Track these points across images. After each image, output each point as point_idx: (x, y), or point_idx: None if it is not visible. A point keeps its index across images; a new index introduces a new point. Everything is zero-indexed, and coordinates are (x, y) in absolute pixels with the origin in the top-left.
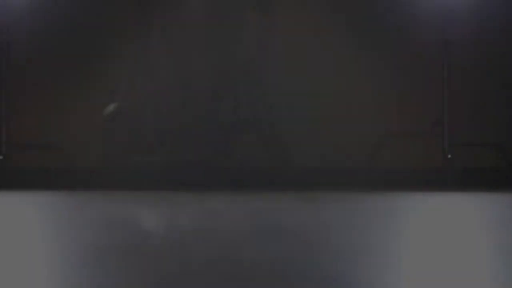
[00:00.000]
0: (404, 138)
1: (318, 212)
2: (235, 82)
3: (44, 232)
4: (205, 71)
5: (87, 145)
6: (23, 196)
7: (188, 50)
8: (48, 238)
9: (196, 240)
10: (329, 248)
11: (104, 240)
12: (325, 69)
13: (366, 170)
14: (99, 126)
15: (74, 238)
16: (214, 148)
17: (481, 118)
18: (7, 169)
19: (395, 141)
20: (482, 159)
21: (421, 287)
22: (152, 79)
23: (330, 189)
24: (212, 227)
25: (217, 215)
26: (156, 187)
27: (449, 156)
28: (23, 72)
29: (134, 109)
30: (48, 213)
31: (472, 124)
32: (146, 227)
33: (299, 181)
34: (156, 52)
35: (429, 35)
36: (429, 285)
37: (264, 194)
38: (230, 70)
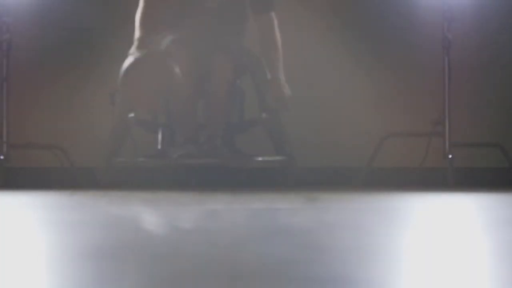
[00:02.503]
0: (404, 138)
1: (320, 212)
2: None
3: (45, 233)
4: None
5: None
6: (23, 196)
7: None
8: (49, 238)
9: (196, 240)
10: (331, 249)
11: (104, 241)
12: (325, 67)
13: (366, 170)
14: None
15: (74, 239)
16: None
17: (481, 118)
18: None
19: (396, 141)
20: (483, 159)
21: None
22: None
23: (331, 189)
24: (213, 228)
25: (218, 215)
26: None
27: (450, 156)
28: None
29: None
30: (48, 213)
31: (473, 124)
32: (146, 227)
33: (301, 181)
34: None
35: (429, 34)
36: (430, 285)
37: (265, 194)
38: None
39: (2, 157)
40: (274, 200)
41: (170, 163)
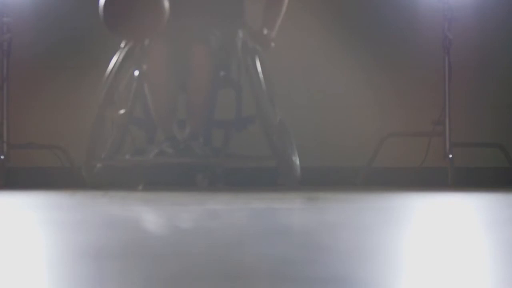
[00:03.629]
0: (405, 138)
1: (320, 212)
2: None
3: (45, 233)
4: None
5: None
6: (23, 196)
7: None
8: (49, 239)
9: (196, 240)
10: (331, 249)
11: (104, 241)
12: (325, 67)
13: (366, 170)
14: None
15: (74, 239)
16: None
17: (481, 118)
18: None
19: (396, 141)
20: (483, 159)
21: None
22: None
23: (331, 189)
24: (213, 228)
25: (218, 215)
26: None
27: (450, 156)
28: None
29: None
30: (48, 213)
31: (473, 124)
32: (146, 227)
33: (301, 181)
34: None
35: (429, 34)
36: (430, 285)
37: (265, 193)
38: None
39: (2, 157)
40: (274, 200)
41: (147, 162)
